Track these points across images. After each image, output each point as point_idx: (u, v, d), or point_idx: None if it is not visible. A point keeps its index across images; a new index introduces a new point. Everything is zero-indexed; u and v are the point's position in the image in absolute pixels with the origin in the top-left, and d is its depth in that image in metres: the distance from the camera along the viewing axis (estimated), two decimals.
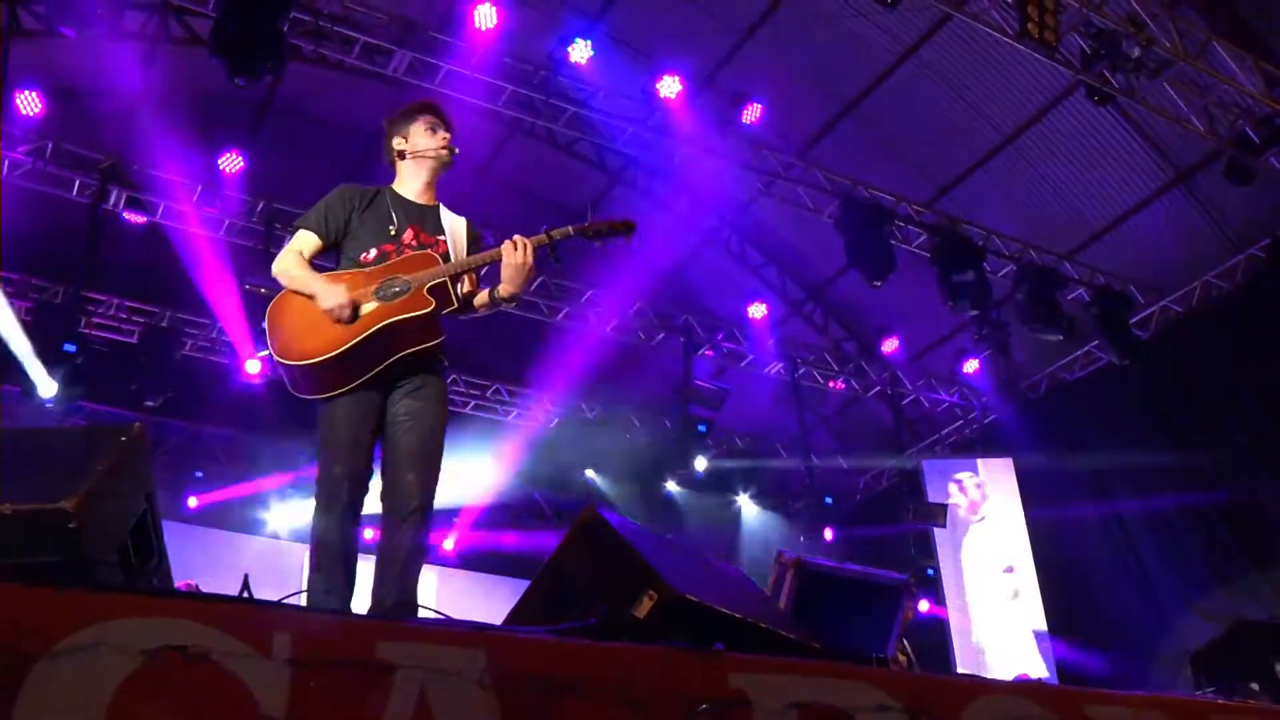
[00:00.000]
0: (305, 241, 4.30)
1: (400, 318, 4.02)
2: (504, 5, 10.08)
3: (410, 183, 4.50)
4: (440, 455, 4.15)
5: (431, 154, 4.45)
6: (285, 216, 11.85)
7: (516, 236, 4.24)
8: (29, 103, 10.26)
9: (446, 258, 4.24)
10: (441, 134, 4.52)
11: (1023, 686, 3.02)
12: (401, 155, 4.49)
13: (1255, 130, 10.47)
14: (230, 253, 11.81)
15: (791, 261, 15.26)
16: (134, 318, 12.54)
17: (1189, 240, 12.55)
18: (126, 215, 11.14)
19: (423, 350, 4.13)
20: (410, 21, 10.38)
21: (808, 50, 12.13)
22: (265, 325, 4.08)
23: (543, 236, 4.29)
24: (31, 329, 11.19)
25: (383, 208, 4.37)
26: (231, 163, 11.41)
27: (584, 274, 13.47)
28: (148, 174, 10.98)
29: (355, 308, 4.03)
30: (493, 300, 4.34)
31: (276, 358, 4.00)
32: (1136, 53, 9.80)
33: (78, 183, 10.87)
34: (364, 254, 4.23)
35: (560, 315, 13.49)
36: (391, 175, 4.61)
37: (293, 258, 4.23)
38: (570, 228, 4.34)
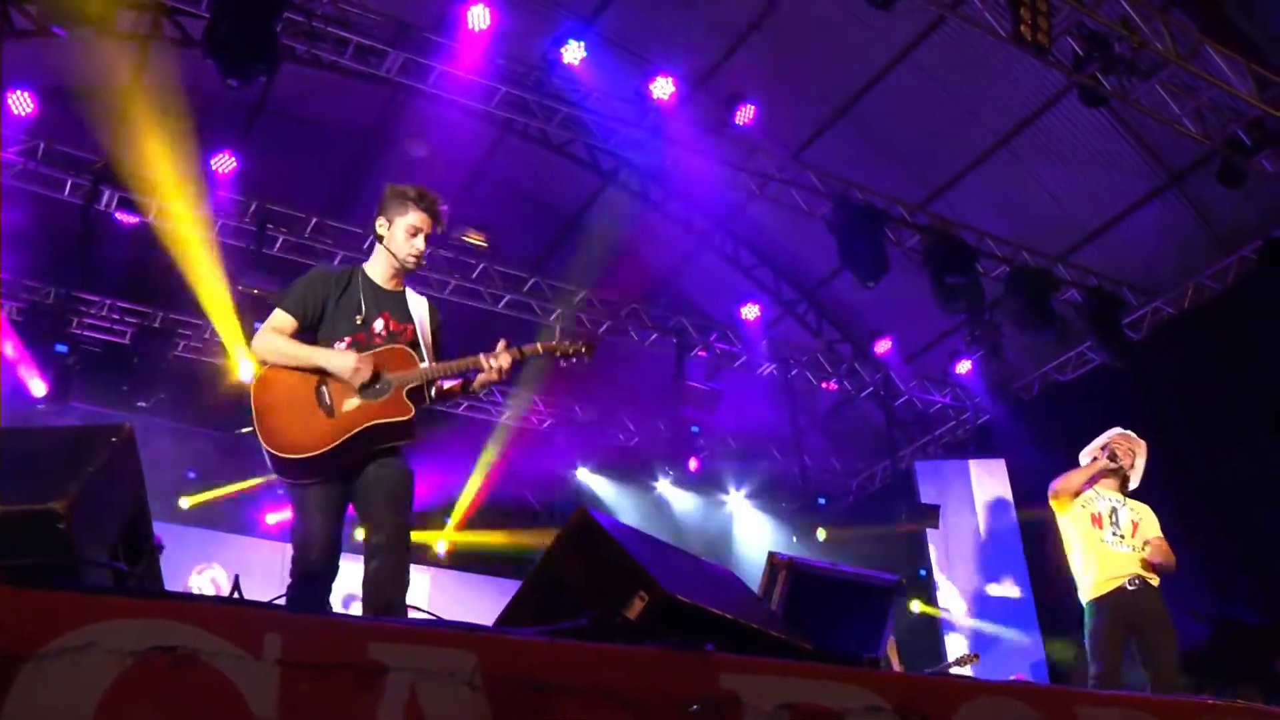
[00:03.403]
0: (283, 322, 4.43)
1: (382, 421, 4.25)
2: (497, 6, 10.07)
3: (381, 268, 4.61)
4: (411, 499, 4.34)
5: (399, 258, 4.56)
6: (278, 217, 11.84)
7: (496, 354, 4.46)
8: (21, 103, 10.24)
9: (415, 344, 4.49)
10: (417, 242, 4.58)
11: (1013, 687, 3.03)
12: (380, 238, 4.62)
13: (1246, 132, 10.49)
14: (223, 253, 11.78)
15: (785, 263, 15.28)
16: (126, 318, 12.51)
17: (1181, 242, 12.58)
18: (119, 215, 11.11)
19: (396, 445, 4.38)
20: (404, 22, 10.36)
21: (801, 52, 12.14)
22: (252, 403, 4.24)
23: (515, 352, 4.51)
24: (23, 329, 11.17)
25: (354, 294, 4.50)
26: (224, 163, 11.39)
27: (577, 274, 13.48)
28: (140, 174, 10.95)
29: (320, 391, 4.26)
30: (464, 393, 4.67)
31: (263, 443, 4.16)
32: (1129, 55, 9.83)
33: (70, 183, 10.84)
34: (337, 342, 4.39)
35: (553, 316, 13.49)
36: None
37: (279, 337, 4.38)
38: (539, 345, 4.62)
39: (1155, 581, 6.42)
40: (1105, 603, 6.38)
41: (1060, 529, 6.82)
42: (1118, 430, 6.91)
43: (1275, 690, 9.20)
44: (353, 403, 4.24)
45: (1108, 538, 6.50)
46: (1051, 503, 6.81)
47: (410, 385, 4.32)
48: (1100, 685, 6.14)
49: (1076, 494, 6.66)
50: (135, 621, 2.07)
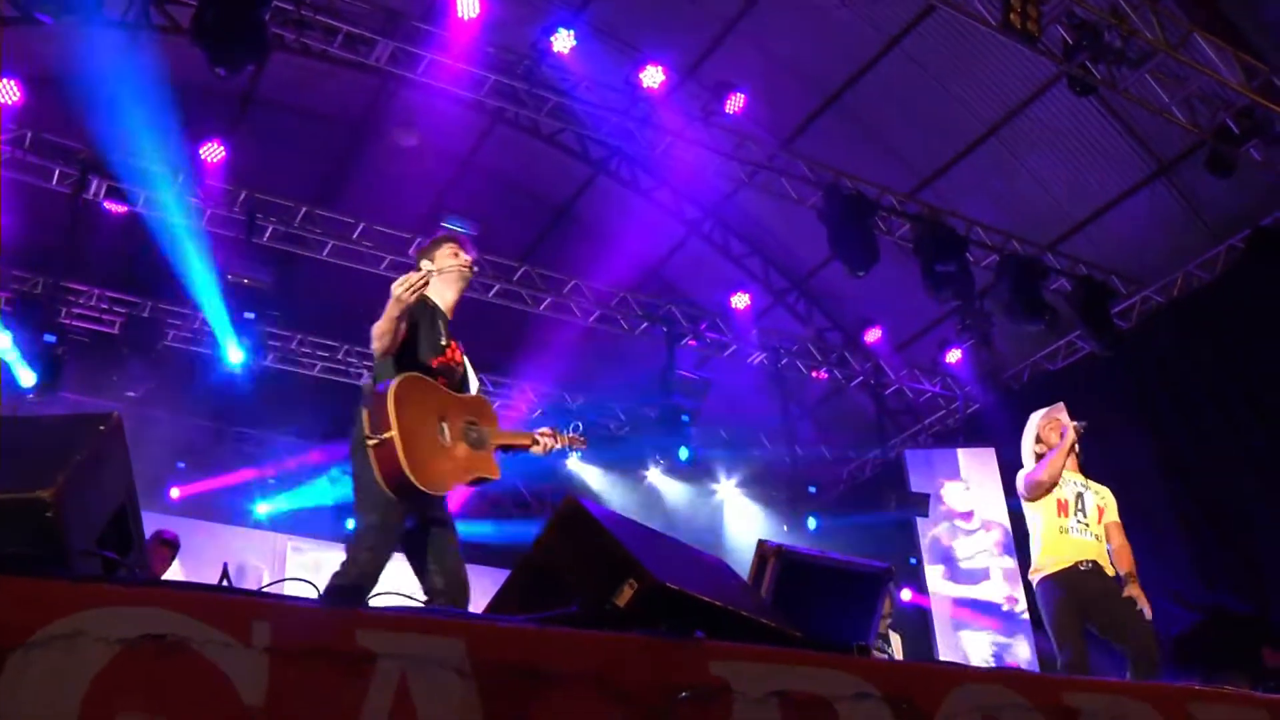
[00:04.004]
0: None
1: (483, 476, 4.54)
2: None
3: (443, 298, 4.88)
4: None
5: (456, 269, 4.87)
6: (267, 206, 11.81)
7: (547, 435, 5.02)
8: (8, 91, 10.16)
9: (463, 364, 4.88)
10: (464, 256, 4.95)
11: (1001, 674, 3.04)
12: (433, 273, 4.85)
13: (1235, 121, 10.51)
14: (212, 243, 11.76)
15: (775, 252, 15.28)
16: (115, 308, 12.49)
17: (1170, 231, 12.60)
18: (107, 205, 11.09)
19: None
20: (393, 10, 10.33)
21: (791, 41, 12.14)
22: (392, 416, 4.20)
23: (563, 439, 5.09)
24: (12, 319, 11.14)
25: (435, 319, 4.79)
26: (213, 152, 11.36)
27: (567, 264, 13.47)
28: (128, 164, 10.91)
29: (442, 426, 4.42)
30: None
31: (402, 460, 4.15)
32: (1118, 43, 9.84)
33: (57, 172, 10.80)
34: (433, 359, 4.66)
35: (543, 305, 13.48)
36: None
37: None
38: (568, 437, 5.14)
39: (1110, 572, 6.27)
40: (1054, 580, 6.27)
41: (1027, 519, 6.72)
42: (1045, 414, 6.81)
43: (1263, 680, 9.24)
44: (461, 449, 4.44)
45: (1071, 525, 6.39)
46: (1028, 498, 6.67)
47: (499, 444, 4.70)
48: (1072, 674, 6.06)
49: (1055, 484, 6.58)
50: (124, 609, 2.06)
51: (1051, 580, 6.31)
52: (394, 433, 4.14)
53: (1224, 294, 12.06)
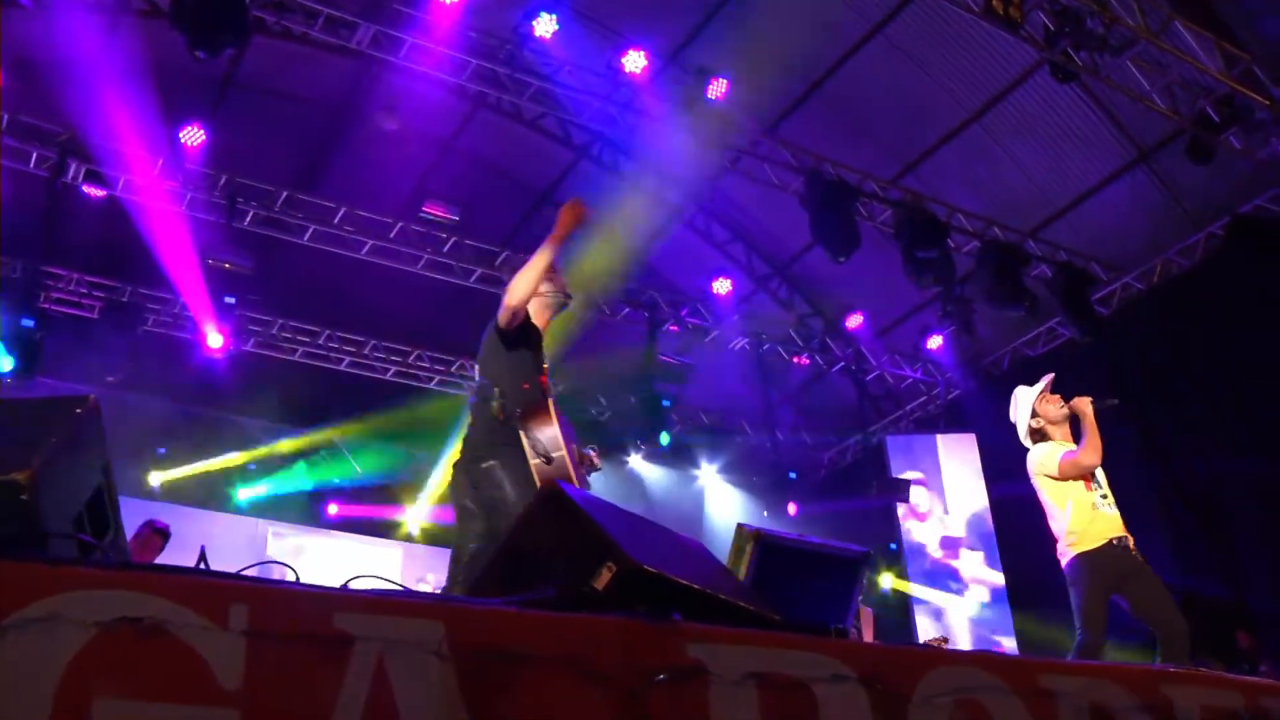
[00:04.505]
0: None
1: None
2: None
3: (540, 319, 4.97)
4: None
5: (562, 290, 5.03)
6: (247, 191, 11.75)
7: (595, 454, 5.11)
8: None
9: None
10: (560, 278, 5.06)
11: (978, 656, 3.06)
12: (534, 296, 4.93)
13: (1215, 109, 10.55)
14: (192, 227, 11.70)
15: (757, 237, 15.29)
16: (94, 292, 12.43)
17: (1150, 218, 12.65)
18: (86, 189, 11.03)
19: None
20: None
21: (774, 27, 12.10)
22: (553, 416, 4.53)
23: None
24: None
25: (540, 342, 4.94)
26: (193, 136, 11.29)
27: None
28: (107, 147, 10.85)
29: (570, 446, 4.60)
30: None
31: (568, 468, 4.43)
32: (1100, 30, 9.86)
33: (35, 155, 10.73)
34: (540, 377, 4.81)
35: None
36: None
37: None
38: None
39: (1134, 549, 6.23)
40: (1090, 557, 6.13)
41: (1048, 496, 6.59)
42: (1040, 389, 6.75)
43: (1236, 662, 9.33)
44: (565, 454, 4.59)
45: (1098, 500, 6.36)
46: (1061, 477, 6.52)
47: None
48: (1084, 655, 5.96)
49: None
50: (100, 592, 2.05)
51: (1086, 559, 6.18)
52: (563, 452, 4.46)
53: (1203, 281, 12.14)
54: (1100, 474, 6.44)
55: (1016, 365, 14.33)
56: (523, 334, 4.73)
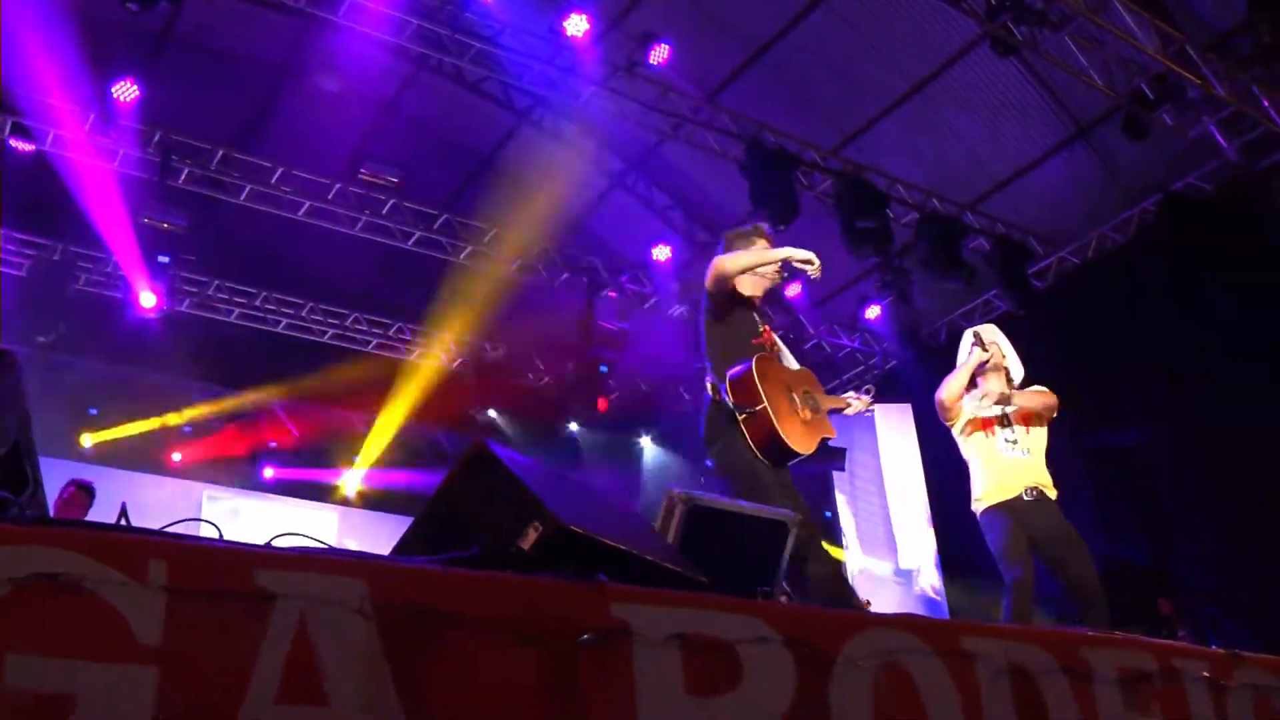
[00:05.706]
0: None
1: (826, 437, 5.08)
2: None
3: (754, 291, 5.39)
4: None
5: (770, 274, 5.35)
6: (182, 149, 11.56)
7: (854, 397, 5.75)
8: None
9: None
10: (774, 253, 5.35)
11: (901, 619, 3.11)
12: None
13: (1150, 87, 10.68)
14: (125, 184, 11.50)
15: (698, 204, 15.26)
16: (24, 250, 12.19)
17: (1086, 193, 12.81)
18: (13, 143, 10.79)
19: None
20: None
21: None
22: (760, 388, 4.80)
23: (865, 403, 5.73)
24: None
25: (749, 308, 5.34)
26: (126, 91, 11.02)
27: (488, 213, 13.38)
28: (35, 99, 10.60)
29: (793, 396, 5.01)
30: None
31: (776, 425, 4.75)
32: (1040, 6, 9.94)
33: None
34: (754, 338, 5.20)
35: (464, 254, 13.39)
36: None
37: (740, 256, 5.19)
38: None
39: (1053, 495, 6.22)
40: (998, 510, 6.17)
41: (959, 446, 6.67)
42: (971, 330, 6.86)
43: (1158, 629, 9.54)
44: (807, 413, 4.98)
45: (1000, 445, 6.27)
46: (944, 419, 6.62)
47: (829, 408, 5.23)
48: (1018, 592, 5.94)
49: (961, 397, 6.47)
50: (15, 548, 2.02)
51: (996, 510, 6.23)
52: (765, 404, 4.72)
53: (1135, 256, 12.32)
54: (1016, 413, 6.42)
55: (954, 337, 14.41)
56: (729, 303, 5.13)
